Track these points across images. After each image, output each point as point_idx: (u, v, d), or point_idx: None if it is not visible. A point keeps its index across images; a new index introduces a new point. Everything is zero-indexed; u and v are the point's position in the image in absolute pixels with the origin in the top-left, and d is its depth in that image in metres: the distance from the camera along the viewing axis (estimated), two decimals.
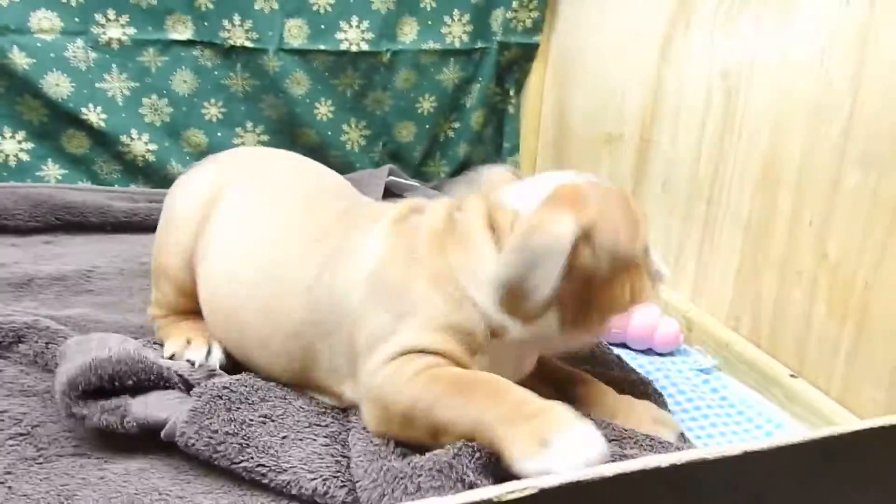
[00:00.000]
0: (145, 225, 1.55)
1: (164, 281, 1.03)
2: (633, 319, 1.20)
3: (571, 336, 0.82)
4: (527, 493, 0.48)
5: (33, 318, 1.05)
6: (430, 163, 1.98)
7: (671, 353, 1.24)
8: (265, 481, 0.78)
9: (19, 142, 1.64)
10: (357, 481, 0.75)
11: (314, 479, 0.77)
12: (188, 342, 0.99)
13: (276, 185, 1.00)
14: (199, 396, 0.84)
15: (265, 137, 1.81)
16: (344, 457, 0.80)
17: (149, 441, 0.85)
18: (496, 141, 1.99)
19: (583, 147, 1.70)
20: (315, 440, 0.82)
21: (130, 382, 0.85)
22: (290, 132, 1.82)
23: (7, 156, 1.64)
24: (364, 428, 0.82)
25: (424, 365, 0.75)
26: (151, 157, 1.71)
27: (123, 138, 1.68)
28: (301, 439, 0.82)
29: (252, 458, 0.78)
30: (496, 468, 0.70)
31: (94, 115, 1.65)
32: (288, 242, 0.91)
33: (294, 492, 0.77)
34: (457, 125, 1.93)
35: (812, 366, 1.07)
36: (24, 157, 1.65)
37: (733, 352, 1.19)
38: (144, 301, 1.24)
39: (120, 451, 0.84)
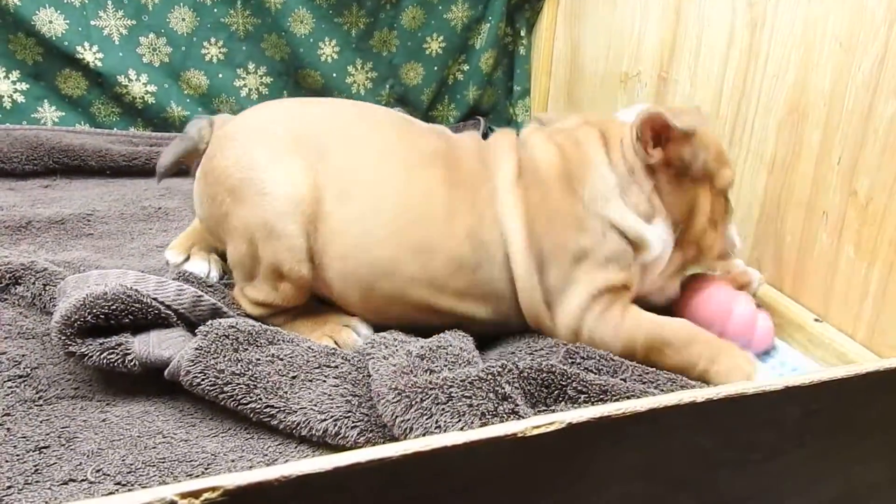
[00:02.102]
0: (146, 169, 1.53)
1: (281, 282, 0.91)
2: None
3: (687, 251, 0.96)
4: (554, 427, 0.45)
5: (30, 259, 1.02)
6: (438, 107, 1.92)
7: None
8: (274, 423, 0.76)
9: (14, 82, 1.59)
10: (380, 399, 0.72)
11: (324, 419, 0.74)
12: (187, 259, 1.04)
13: (365, 140, 0.92)
14: (205, 335, 0.81)
15: (268, 79, 1.75)
16: (355, 396, 0.77)
17: (151, 383, 0.83)
18: (506, 84, 1.93)
19: (597, 88, 1.64)
20: (325, 381, 0.79)
21: (128, 320, 0.82)
22: (293, 74, 1.76)
23: (1, 97, 1.59)
24: (385, 357, 0.79)
25: (618, 310, 0.89)
26: (151, 99, 1.66)
27: (121, 79, 1.62)
28: (311, 380, 0.79)
29: (260, 398, 0.75)
30: (528, 383, 0.74)
31: (89, 55, 1.59)
32: (420, 195, 0.89)
33: (304, 433, 0.74)
34: (466, 67, 1.87)
35: (838, 309, 1.03)
36: (20, 98, 1.60)
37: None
38: (145, 245, 1.23)
39: (122, 394, 0.82)
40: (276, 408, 0.75)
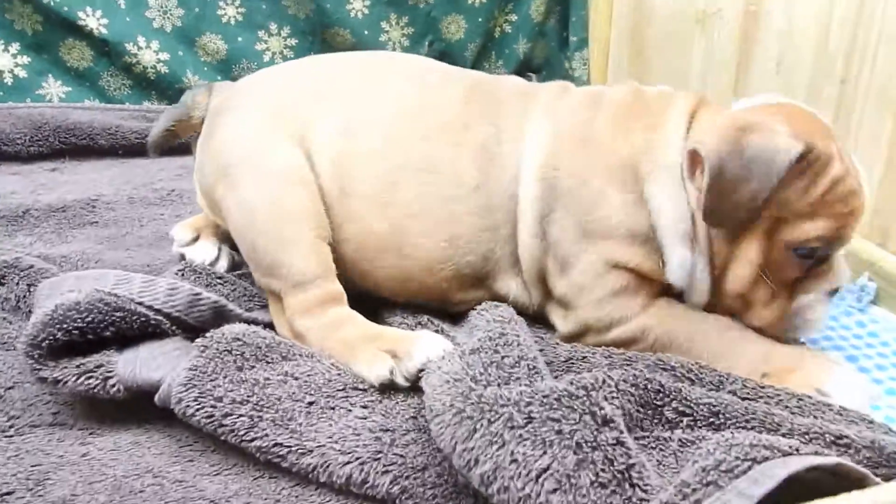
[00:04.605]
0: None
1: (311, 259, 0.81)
2: None
3: (725, 302, 0.77)
4: None
5: (15, 256, 0.90)
6: (484, 64, 1.78)
7: None
8: (284, 464, 0.60)
9: (14, 55, 1.47)
10: (434, 417, 0.57)
11: (348, 462, 0.59)
12: (195, 239, 0.93)
13: (368, 91, 0.85)
14: (202, 351, 0.66)
15: (292, 41, 1.61)
16: (386, 431, 0.60)
17: (144, 406, 0.70)
18: (561, 34, 1.80)
19: (668, 32, 1.49)
20: (350, 410, 0.62)
21: (110, 333, 0.68)
22: (320, 33, 1.63)
23: (2, 72, 1.48)
24: (437, 365, 0.64)
25: (641, 298, 0.76)
26: (164, 69, 1.54)
27: (130, 47, 1.51)
28: (332, 408, 0.63)
29: (266, 434, 0.60)
30: (627, 400, 0.60)
31: (93, 21, 1.47)
32: (428, 142, 0.81)
33: (323, 479, 0.59)
34: (514, 17, 1.76)
35: None
36: (21, 73, 1.49)
37: (882, 272, 0.97)
38: (155, 234, 1.12)
39: (109, 420, 0.71)
40: (286, 446, 0.59)
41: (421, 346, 0.67)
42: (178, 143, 1.45)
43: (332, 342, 0.73)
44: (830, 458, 0.50)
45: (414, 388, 0.65)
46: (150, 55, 1.52)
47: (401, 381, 0.66)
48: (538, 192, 0.77)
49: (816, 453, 0.51)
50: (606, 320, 0.76)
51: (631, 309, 0.76)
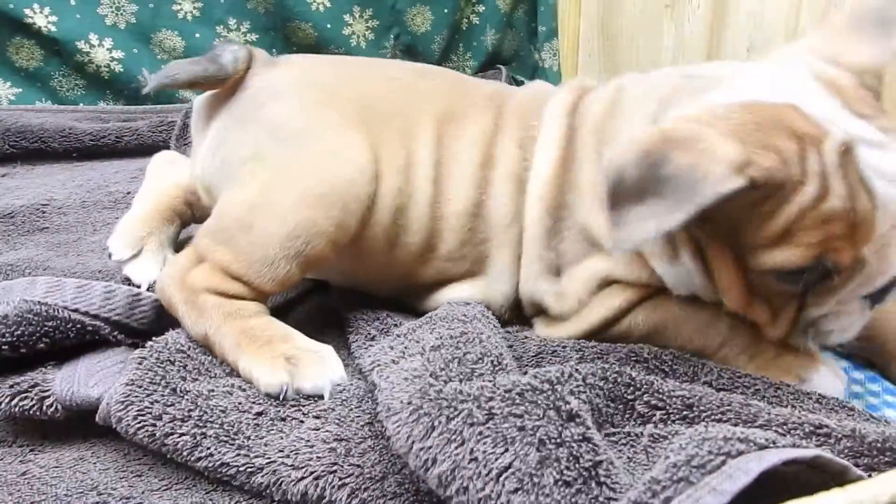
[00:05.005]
0: (117, 149, 1.38)
1: (293, 265, 0.73)
2: None
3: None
4: None
5: None
6: (452, 56, 1.74)
7: None
8: (235, 482, 0.55)
9: None
10: (389, 416, 0.53)
11: (302, 478, 0.54)
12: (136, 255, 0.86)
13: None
14: (140, 362, 0.61)
15: (252, 36, 1.57)
16: (341, 441, 0.56)
17: (90, 418, 0.65)
18: (529, 25, 1.77)
19: (637, 21, 1.47)
20: (303, 421, 0.58)
21: (44, 345, 0.64)
22: (281, 28, 1.59)
23: None
24: (394, 360, 0.61)
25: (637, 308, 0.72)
26: (118, 67, 1.50)
27: (81, 45, 1.46)
28: (283, 419, 0.59)
29: (211, 454, 0.55)
30: (596, 395, 0.57)
31: (41, 19, 1.42)
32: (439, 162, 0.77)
33: (277, 497, 0.54)
34: (481, 8, 1.73)
35: None
36: None
37: None
38: (108, 238, 1.03)
39: (53, 435, 0.67)
40: (233, 465, 0.54)
41: (319, 373, 0.63)
42: (133, 145, 1.41)
43: (231, 327, 0.67)
44: (808, 451, 0.47)
45: (371, 392, 0.61)
46: (103, 54, 1.47)
47: (288, 395, 0.62)
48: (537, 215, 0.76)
49: (794, 445, 0.48)
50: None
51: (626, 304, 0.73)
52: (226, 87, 0.81)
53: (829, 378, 0.68)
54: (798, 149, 0.58)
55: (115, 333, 0.68)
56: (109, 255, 0.87)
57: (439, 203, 0.75)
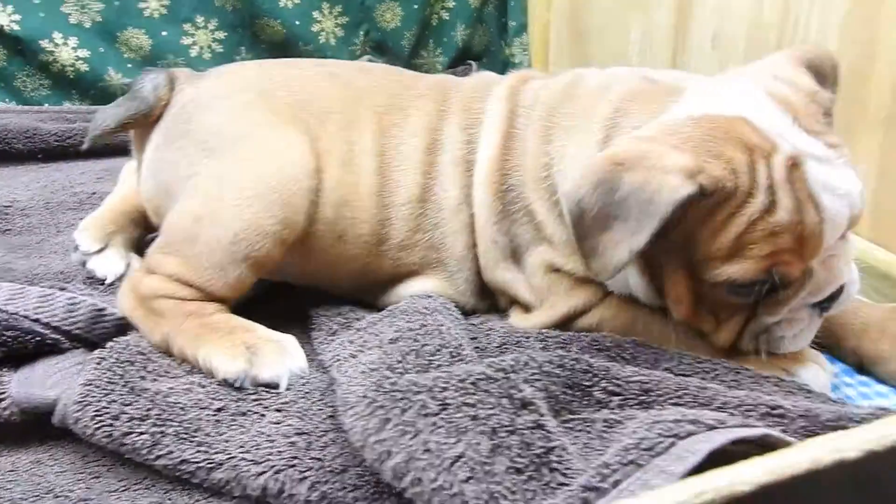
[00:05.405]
0: (83, 149, 1.31)
1: (243, 268, 0.73)
2: None
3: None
4: None
5: None
6: (422, 52, 1.73)
7: None
8: (195, 480, 0.55)
9: None
10: (346, 410, 0.54)
11: (262, 472, 0.54)
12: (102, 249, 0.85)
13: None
14: (99, 363, 0.61)
15: (220, 34, 1.54)
16: (302, 434, 0.56)
17: (47, 420, 0.65)
18: (499, 20, 1.76)
19: (607, 14, 1.47)
20: (263, 416, 0.58)
21: (0, 352, 0.63)
22: (249, 26, 1.56)
23: None
24: (353, 354, 0.61)
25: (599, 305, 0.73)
26: (84, 67, 1.47)
27: (45, 44, 1.43)
28: (243, 413, 0.59)
29: (171, 452, 0.55)
30: (552, 382, 0.57)
31: (3, 17, 1.39)
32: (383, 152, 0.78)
33: (237, 493, 0.54)
34: (451, 4, 1.71)
35: None
36: None
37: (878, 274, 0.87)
38: (72, 240, 1.02)
39: (9, 438, 0.66)
40: (193, 462, 0.54)
41: (278, 361, 0.64)
42: (100, 146, 1.39)
43: (191, 323, 0.68)
44: (756, 430, 0.47)
45: (331, 386, 0.61)
46: (68, 53, 1.44)
47: (245, 384, 0.63)
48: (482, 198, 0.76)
49: (744, 426, 0.49)
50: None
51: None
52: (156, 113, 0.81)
53: (817, 372, 0.68)
54: (748, 160, 0.60)
55: (75, 345, 0.67)
56: (76, 248, 0.87)
57: (386, 192, 0.76)
